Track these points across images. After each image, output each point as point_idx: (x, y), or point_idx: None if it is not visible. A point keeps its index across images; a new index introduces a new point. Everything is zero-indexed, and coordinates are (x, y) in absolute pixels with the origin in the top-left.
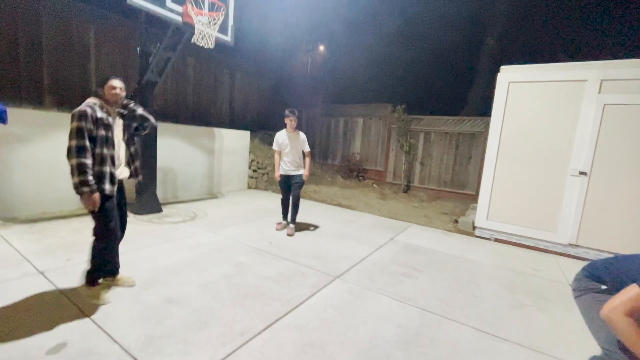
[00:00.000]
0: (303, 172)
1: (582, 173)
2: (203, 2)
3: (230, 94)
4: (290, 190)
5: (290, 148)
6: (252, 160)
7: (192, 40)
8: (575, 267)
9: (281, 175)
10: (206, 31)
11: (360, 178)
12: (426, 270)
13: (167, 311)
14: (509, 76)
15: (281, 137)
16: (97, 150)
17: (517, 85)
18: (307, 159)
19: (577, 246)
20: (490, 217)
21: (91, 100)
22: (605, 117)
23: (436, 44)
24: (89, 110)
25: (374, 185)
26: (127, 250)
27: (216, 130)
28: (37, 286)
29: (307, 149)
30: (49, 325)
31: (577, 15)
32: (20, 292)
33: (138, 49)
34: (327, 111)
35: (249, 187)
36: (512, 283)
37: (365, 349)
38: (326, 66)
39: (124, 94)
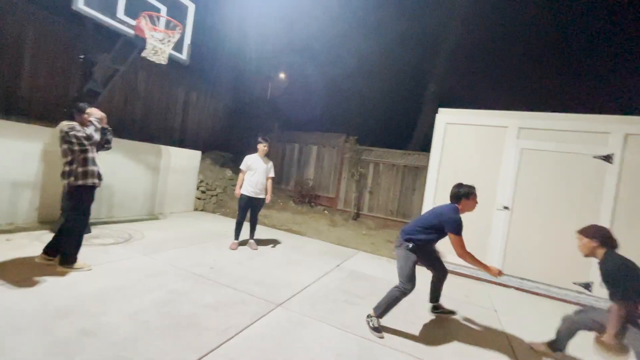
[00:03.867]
0: (266, 196)
1: (505, 207)
2: (159, 19)
3: (184, 113)
4: (248, 210)
5: (258, 172)
6: (201, 181)
7: (143, 55)
8: (502, 294)
9: (245, 197)
10: (160, 47)
11: (312, 204)
12: (369, 297)
13: (79, 345)
14: (445, 118)
15: (251, 160)
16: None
17: (453, 126)
18: (270, 184)
19: (506, 275)
20: None
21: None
22: (523, 159)
23: (388, 82)
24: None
25: (325, 211)
26: (43, 274)
27: (164, 148)
28: None
29: (272, 174)
30: None
31: (507, 70)
32: None
33: (81, 56)
34: (283, 137)
35: (196, 209)
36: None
37: None
38: (285, 93)
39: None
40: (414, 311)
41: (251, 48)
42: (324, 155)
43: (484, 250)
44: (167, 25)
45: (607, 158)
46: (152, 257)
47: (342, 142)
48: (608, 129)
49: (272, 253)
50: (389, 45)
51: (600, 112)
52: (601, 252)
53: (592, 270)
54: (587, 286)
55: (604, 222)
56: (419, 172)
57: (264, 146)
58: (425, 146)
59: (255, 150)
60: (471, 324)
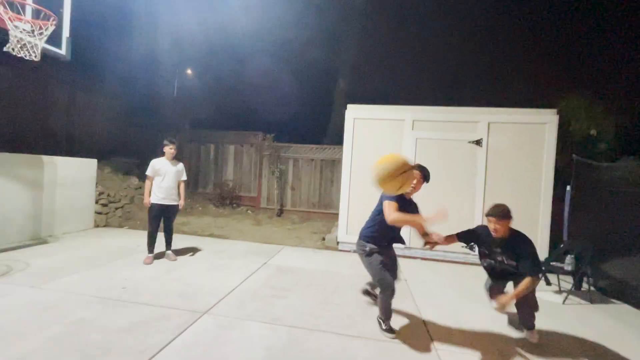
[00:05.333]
0: (179, 202)
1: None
2: (23, 7)
3: (69, 116)
4: (161, 220)
5: (167, 177)
6: (100, 193)
7: (6, 49)
8: (410, 265)
9: (155, 205)
10: (28, 40)
11: (234, 205)
12: (296, 288)
13: None
14: (353, 113)
15: (158, 165)
16: None
17: (360, 121)
18: (183, 188)
19: (410, 248)
20: (349, 231)
21: None
22: (419, 147)
23: (302, 78)
24: None
25: (249, 211)
26: None
27: (46, 158)
28: None
29: (184, 177)
30: None
31: (407, 65)
32: None
33: None
34: (196, 137)
35: (97, 226)
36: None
37: None
38: (195, 91)
39: None
40: (340, 295)
41: (152, 42)
42: (242, 155)
43: None
44: (38, 16)
45: (478, 142)
46: (43, 287)
47: (260, 140)
48: (477, 119)
49: (194, 261)
50: (299, 42)
51: (472, 105)
52: (510, 230)
53: None
54: (471, 248)
55: (479, 195)
56: (336, 165)
57: (170, 148)
58: (340, 140)
59: (163, 154)
60: None
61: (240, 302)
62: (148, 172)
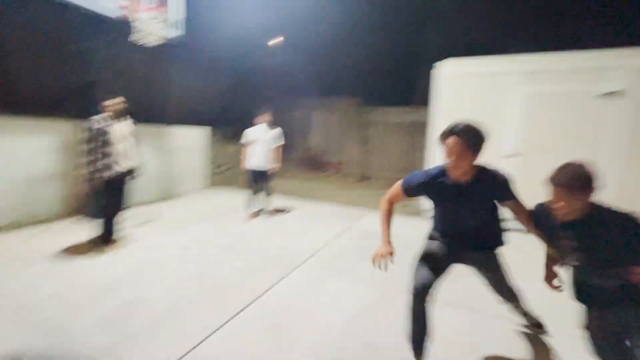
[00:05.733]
0: (273, 166)
1: (512, 155)
2: None
3: (187, 89)
4: (259, 182)
5: (261, 143)
6: (213, 157)
7: (135, 37)
8: (519, 238)
9: (250, 170)
10: (151, 27)
11: (320, 170)
12: None
13: (126, 315)
14: (445, 69)
15: (251, 133)
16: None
17: (454, 77)
18: (278, 153)
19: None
20: None
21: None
22: (530, 106)
23: (389, 36)
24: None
25: (334, 176)
26: (84, 256)
27: (169, 128)
28: None
29: (280, 142)
30: None
31: (511, 12)
32: None
33: (73, 45)
34: (288, 104)
35: (211, 185)
36: None
37: (325, 325)
38: (286, 59)
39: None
40: None
41: (247, 13)
42: (328, 120)
43: None
44: (160, 3)
45: (616, 94)
46: (177, 234)
47: (346, 105)
48: (613, 64)
49: (287, 220)
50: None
51: (607, 47)
52: (591, 207)
53: None
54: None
55: (615, 162)
56: (425, 128)
57: (263, 116)
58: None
59: (260, 122)
60: None
61: (329, 260)
62: (242, 140)
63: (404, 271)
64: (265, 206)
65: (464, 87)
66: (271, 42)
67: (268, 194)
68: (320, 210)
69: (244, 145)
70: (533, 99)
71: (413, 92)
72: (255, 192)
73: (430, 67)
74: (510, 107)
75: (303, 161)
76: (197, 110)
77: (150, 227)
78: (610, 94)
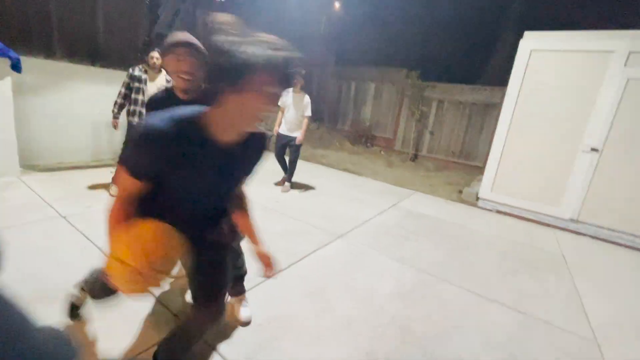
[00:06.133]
0: (298, 135)
1: (593, 149)
2: None
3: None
4: (284, 148)
5: (292, 109)
6: None
7: None
8: (573, 241)
9: (280, 135)
10: None
11: (369, 145)
12: (426, 235)
13: None
14: (531, 43)
15: (285, 96)
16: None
17: (539, 54)
18: (305, 123)
19: (577, 222)
20: (495, 189)
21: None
22: (629, 92)
23: (456, 6)
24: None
25: (382, 152)
26: None
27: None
28: (60, 229)
29: (308, 113)
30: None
31: None
32: (44, 234)
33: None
34: (339, 73)
35: None
36: (508, 252)
37: (362, 298)
38: (340, 25)
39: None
40: (473, 252)
41: None
42: (382, 93)
43: (559, 195)
44: None
45: None
46: None
47: (403, 78)
48: None
49: (332, 190)
50: None
51: None
52: None
53: None
54: None
55: None
56: (489, 110)
57: (297, 80)
58: (501, 81)
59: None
60: (534, 268)
61: (372, 235)
62: (278, 103)
63: (448, 259)
64: (288, 178)
65: (550, 65)
66: (328, 7)
67: (294, 163)
68: (366, 185)
69: (279, 108)
70: (633, 85)
71: (481, 70)
72: (282, 157)
73: (504, 44)
74: (604, 92)
75: (353, 133)
76: None
77: None
78: None
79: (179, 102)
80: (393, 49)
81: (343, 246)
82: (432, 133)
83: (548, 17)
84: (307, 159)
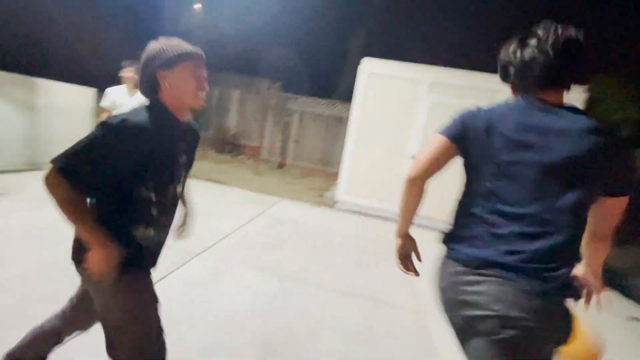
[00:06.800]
0: None
1: (413, 157)
2: None
3: (76, 34)
4: None
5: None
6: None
7: None
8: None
9: None
10: None
11: (235, 153)
12: (290, 241)
13: None
14: (369, 67)
15: (115, 95)
16: None
17: (376, 77)
18: None
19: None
20: (349, 192)
21: None
22: (433, 113)
23: (315, 28)
24: None
25: (249, 160)
26: None
27: (41, 81)
28: None
29: None
30: None
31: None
32: None
33: None
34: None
35: None
36: (361, 247)
37: (221, 320)
38: (201, 28)
39: None
40: (334, 252)
41: None
42: (247, 101)
43: (394, 193)
44: None
45: None
46: (41, 211)
47: (267, 88)
48: (499, 88)
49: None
50: None
51: (492, 72)
52: None
53: None
54: None
55: None
56: (344, 123)
57: (129, 72)
58: (350, 97)
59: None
60: (381, 259)
61: (235, 248)
62: (103, 103)
63: (310, 262)
64: None
65: (383, 86)
66: (188, 7)
67: None
68: (232, 194)
69: (103, 110)
70: (435, 108)
71: (335, 87)
72: None
73: (354, 66)
74: (418, 112)
75: (218, 141)
76: (85, 65)
77: (2, 202)
78: None
79: (179, 125)
80: (258, 60)
81: (201, 265)
82: (296, 142)
83: (386, 46)
84: None
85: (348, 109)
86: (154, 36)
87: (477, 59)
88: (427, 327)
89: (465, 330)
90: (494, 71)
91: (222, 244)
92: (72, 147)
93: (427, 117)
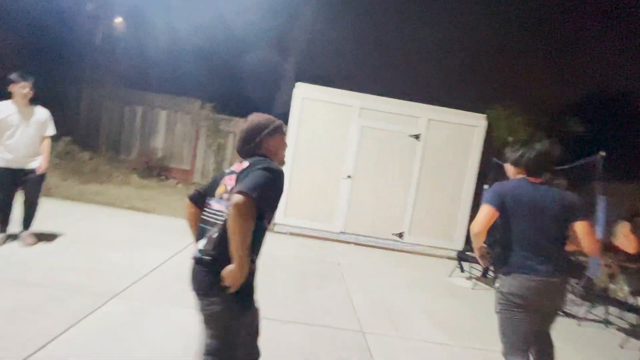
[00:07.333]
0: (40, 164)
1: (349, 177)
2: None
3: None
4: (16, 187)
5: (20, 129)
6: None
7: None
8: (344, 249)
9: (3, 169)
10: None
11: (163, 177)
12: None
13: None
14: (302, 92)
15: (4, 112)
16: None
17: (309, 101)
18: (47, 146)
19: (345, 233)
20: (287, 214)
21: None
22: (363, 136)
23: (250, 49)
24: None
25: (179, 185)
26: None
27: None
28: None
29: (50, 132)
30: None
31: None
32: None
33: None
34: (121, 96)
35: None
36: (300, 269)
37: None
38: (124, 43)
39: None
40: (274, 277)
41: None
42: (175, 123)
43: (331, 214)
44: None
45: (417, 137)
46: None
47: (198, 109)
48: (419, 114)
49: (108, 235)
50: (247, 9)
51: (414, 100)
52: None
53: (404, 223)
54: (400, 235)
55: (413, 187)
56: None
57: (23, 88)
58: (286, 120)
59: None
60: (322, 279)
61: (162, 284)
62: None
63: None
64: (25, 226)
65: (316, 110)
66: (109, 20)
67: (32, 207)
68: (158, 223)
69: None
70: (365, 131)
71: (270, 110)
72: (7, 202)
73: (289, 90)
74: (351, 135)
75: (142, 165)
76: None
77: None
78: (416, 136)
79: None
80: (188, 80)
81: (121, 307)
82: (231, 165)
83: (319, 72)
84: (73, 198)
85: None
86: (60, 50)
87: (400, 88)
88: (369, 346)
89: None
90: (415, 100)
91: (147, 280)
92: (256, 183)
93: (359, 139)
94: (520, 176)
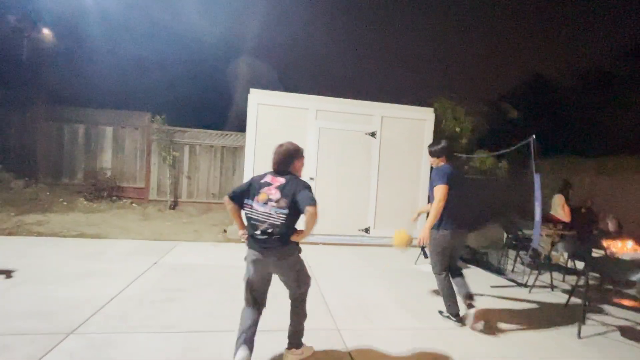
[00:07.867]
0: None
1: (311, 178)
2: None
3: None
4: None
5: None
6: None
7: None
8: (314, 250)
9: None
10: None
11: (114, 198)
12: (193, 288)
13: None
14: (257, 98)
15: None
16: None
17: (264, 107)
18: None
19: (312, 234)
20: None
21: None
22: (321, 137)
23: (201, 56)
24: None
25: (134, 204)
26: None
27: None
28: None
29: None
30: None
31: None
32: None
33: None
34: (57, 115)
35: None
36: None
37: None
38: (56, 56)
39: None
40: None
41: None
42: (124, 139)
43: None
44: None
45: (373, 134)
46: None
47: (147, 122)
48: (372, 112)
49: (53, 270)
50: (194, 15)
51: (369, 99)
52: None
53: (369, 218)
54: (367, 230)
55: (374, 183)
56: (239, 152)
57: None
58: (243, 126)
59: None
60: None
61: (123, 313)
62: None
63: (218, 307)
64: None
65: (273, 115)
66: (35, 33)
67: None
68: (112, 249)
69: None
70: (323, 132)
71: (226, 118)
72: None
73: (244, 96)
74: (309, 137)
75: (88, 187)
76: None
77: None
78: (372, 133)
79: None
80: (133, 92)
81: (75, 347)
82: (189, 177)
83: (273, 76)
84: (9, 232)
85: (242, 138)
86: None
87: (354, 89)
88: (345, 343)
89: None
90: (369, 99)
91: (107, 310)
92: (312, 197)
93: (317, 140)
94: (443, 163)
